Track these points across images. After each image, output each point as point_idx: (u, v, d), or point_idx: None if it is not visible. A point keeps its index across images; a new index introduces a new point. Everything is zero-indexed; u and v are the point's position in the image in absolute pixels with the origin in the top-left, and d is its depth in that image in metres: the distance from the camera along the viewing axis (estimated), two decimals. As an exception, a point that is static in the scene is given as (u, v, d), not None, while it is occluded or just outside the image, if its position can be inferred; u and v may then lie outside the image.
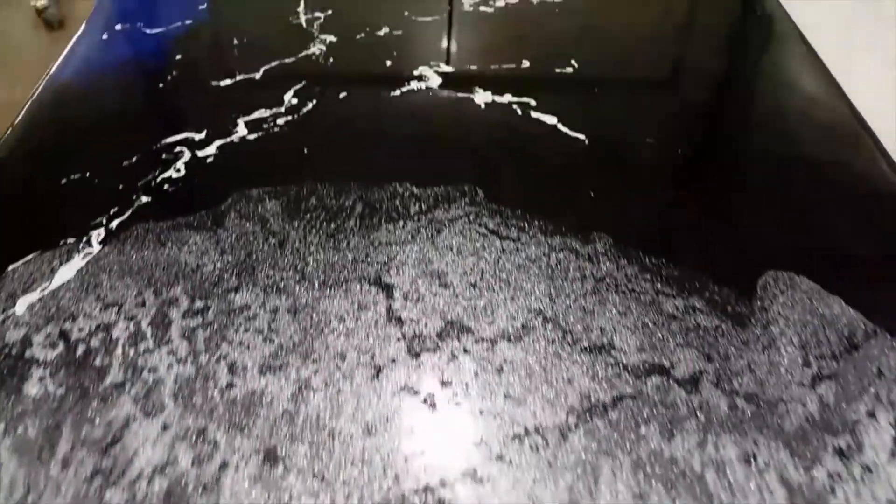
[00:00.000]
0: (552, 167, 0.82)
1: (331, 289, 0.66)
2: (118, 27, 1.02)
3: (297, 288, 0.66)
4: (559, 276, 0.67)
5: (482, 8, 1.09)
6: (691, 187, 0.80)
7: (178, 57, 0.96)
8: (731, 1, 1.15)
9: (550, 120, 0.87)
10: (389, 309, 0.65)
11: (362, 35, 1.02)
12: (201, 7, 1.06)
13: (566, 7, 1.09)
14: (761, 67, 0.99)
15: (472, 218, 0.74)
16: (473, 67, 0.97)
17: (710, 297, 0.65)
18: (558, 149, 0.84)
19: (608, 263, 0.69)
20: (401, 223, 0.73)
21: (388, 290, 0.66)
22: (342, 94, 0.91)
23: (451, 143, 0.85)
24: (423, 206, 0.75)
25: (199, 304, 0.65)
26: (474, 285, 0.67)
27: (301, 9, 1.07)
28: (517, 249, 0.70)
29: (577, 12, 1.09)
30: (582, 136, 0.85)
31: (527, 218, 0.74)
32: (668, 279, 0.67)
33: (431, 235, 0.72)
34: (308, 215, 0.74)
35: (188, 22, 1.03)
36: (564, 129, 0.86)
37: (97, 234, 0.71)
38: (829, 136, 0.85)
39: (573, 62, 0.97)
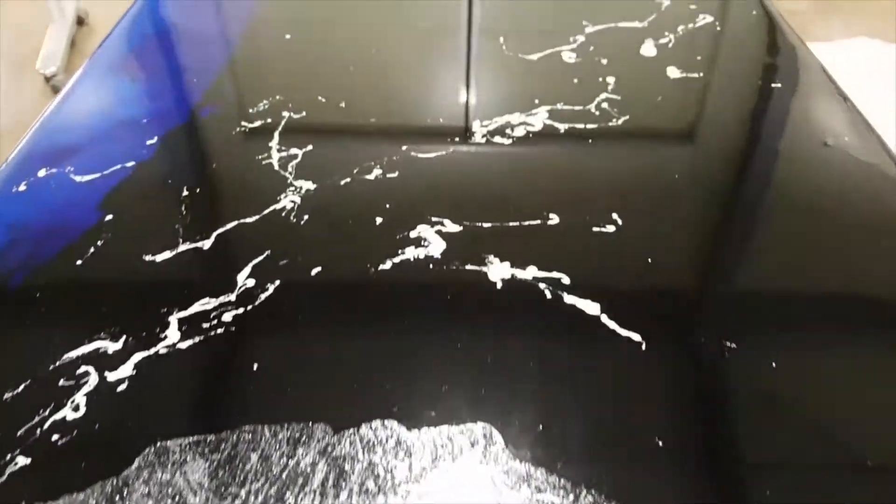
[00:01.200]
0: (598, 387, 0.59)
1: None
2: (42, 173, 0.81)
3: None
4: None
5: (497, 139, 0.87)
6: (803, 433, 0.56)
7: (109, 217, 0.75)
8: (805, 131, 0.93)
9: (591, 308, 0.64)
10: None
11: (348, 180, 0.81)
12: (150, 142, 0.86)
13: (601, 136, 0.87)
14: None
15: (484, 486, 0.51)
16: (486, 225, 0.75)
17: None
18: (605, 357, 0.61)
19: (698, 593, 0.44)
20: (379, 501, 0.50)
21: None
22: (315, 270, 0.69)
23: (454, 348, 0.62)
24: (413, 466, 0.52)
25: None
26: None
27: (274, 144, 0.87)
28: (554, 555, 0.47)
29: (615, 143, 0.87)
30: (637, 337, 0.61)
31: (566, 487, 0.50)
32: None
33: (425, 524, 0.49)
34: (243, 490, 0.51)
35: (130, 165, 0.83)
36: (612, 325, 0.63)
37: (-62, 527, 0.49)
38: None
39: (615, 217, 0.75)
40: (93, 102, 0.96)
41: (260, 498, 0.50)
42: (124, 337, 0.62)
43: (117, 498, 0.50)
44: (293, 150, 0.86)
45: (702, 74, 0.97)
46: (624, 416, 0.56)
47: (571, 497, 0.50)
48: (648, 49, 1.03)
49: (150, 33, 1.11)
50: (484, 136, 0.88)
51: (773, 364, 0.60)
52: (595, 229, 0.74)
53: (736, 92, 0.96)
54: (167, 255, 0.71)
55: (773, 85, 0.95)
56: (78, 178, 0.81)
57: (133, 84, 0.99)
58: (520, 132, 0.88)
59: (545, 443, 0.53)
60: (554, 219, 0.75)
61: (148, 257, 0.71)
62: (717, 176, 0.84)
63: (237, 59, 1.05)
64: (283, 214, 0.76)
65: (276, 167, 0.83)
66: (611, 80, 0.96)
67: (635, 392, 0.58)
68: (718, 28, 1.08)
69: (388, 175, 0.82)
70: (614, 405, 0.57)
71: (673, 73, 0.98)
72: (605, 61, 1.00)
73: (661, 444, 0.53)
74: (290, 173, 0.82)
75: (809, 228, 0.76)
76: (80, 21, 3.04)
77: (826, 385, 0.60)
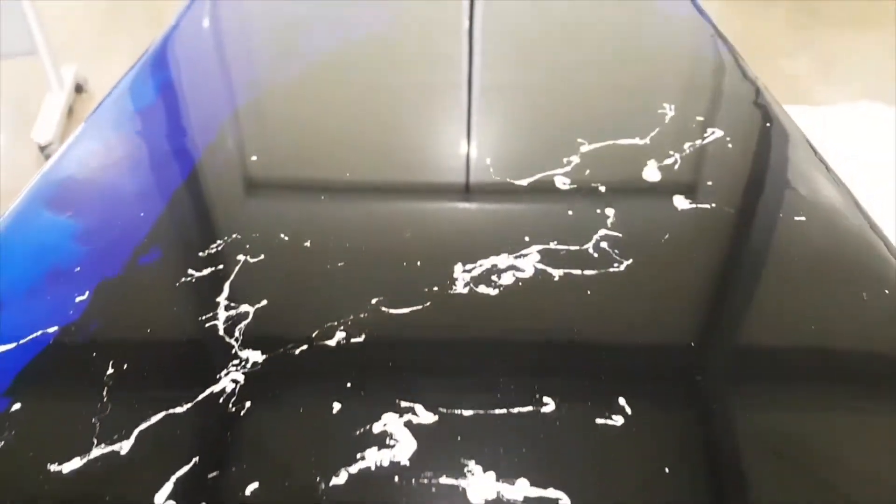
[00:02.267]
0: None
1: None
2: (-50, 345, 0.70)
3: None
4: None
5: (482, 289, 0.75)
6: None
7: (16, 407, 0.63)
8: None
9: (595, 547, 0.51)
10: None
11: (304, 348, 0.69)
12: (80, 299, 0.74)
13: (601, 285, 0.75)
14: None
15: None
16: (467, 413, 0.62)
17: None
18: None
19: None
20: None
21: None
22: (250, 488, 0.56)
23: None
24: None
25: None
26: None
27: (223, 299, 0.75)
28: None
29: (618, 295, 0.75)
30: None
31: None
32: None
33: None
34: None
35: (52, 330, 0.71)
36: (621, 576, 0.49)
37: None
38: None
39: (622, 402, 0.62)
40: (26, 244, 0.85)
41: None
42: None
43: None
44: (244, 308, 0.74)
45: (714, 205, 0.86)
46: None
47: None
48: (651, 173, 0.92)
49: (102, 151, 1.01)
50: (466, 283, 0.76)
51: None
52: (599, 421, 0.61)
53: (756, 229, 0.84)
54: (76, 463, 0.58)
55: (796, 219, 0.83)
56: (-12, 350, 0.69)
57: (74, 220, 0.88)
58: (507, 279, 0.77)
59: None
60: (549, 405, 0.63)
61: (54, 467, 0.58)
62: (743, 340, 0.71)
63: (192, 188, 0.94)
64: (221, 401, 0.64)
65: (222, 331, 0.71)
66: (610, 212, 0.85)
67: None
68: (730, 145, 0.97)
69: (353, 339, 0.70)
70: None
71: (681, 203, 0.86)
72: (602, 188, 0.89)
73: None
74: (237, 339, 0.70)
75: (860, 404, 0.63)
76: (79, 88, 3.01)
77: None
